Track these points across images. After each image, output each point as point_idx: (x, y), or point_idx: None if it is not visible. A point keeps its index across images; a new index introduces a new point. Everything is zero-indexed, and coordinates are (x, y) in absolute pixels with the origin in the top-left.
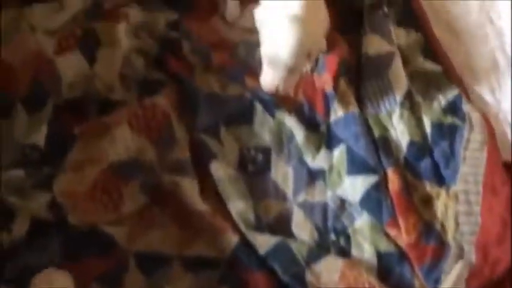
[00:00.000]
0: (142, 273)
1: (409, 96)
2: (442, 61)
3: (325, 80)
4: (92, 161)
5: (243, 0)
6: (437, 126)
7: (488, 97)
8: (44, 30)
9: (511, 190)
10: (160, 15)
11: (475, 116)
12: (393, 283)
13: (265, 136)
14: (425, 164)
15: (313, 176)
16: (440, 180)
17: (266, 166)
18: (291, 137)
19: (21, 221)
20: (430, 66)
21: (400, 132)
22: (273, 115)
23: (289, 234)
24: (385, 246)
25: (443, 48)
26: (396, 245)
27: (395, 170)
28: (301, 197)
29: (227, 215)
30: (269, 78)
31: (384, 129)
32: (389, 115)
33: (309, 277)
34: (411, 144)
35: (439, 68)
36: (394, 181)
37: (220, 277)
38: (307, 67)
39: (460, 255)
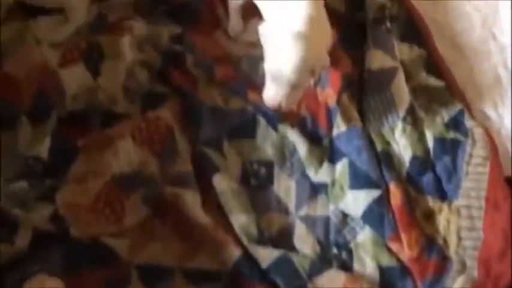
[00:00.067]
0: (144, 285)
1: (411, 111)
2: (445, 76)
3: (328, 94)
4: (95, 173)
5: (246, 14)
6: (440, 141)
7: (490, 112)
8: (48, 43)
9: None
10: (164, 29)
11: (478, 131)
12: None
13: (268, 150)
14: (427, 179)
15: (316, 190)
16: (443, 195)
17: (268, 180)
18: (294, 150)
19: (24, 232)
20: (432, 81)
21: (403, 147)
22: (275, 129)
23: (291, 247)
24: (387, 260)
25: (446, 64)
26: (398, 259)
27: (397, 184)
28: (303, 211)
29: (229, 228)
30: (272, 94)
31: (387, 143)
32: (392, 130)
33: None
34: (414, 158)
35: (441, 83)
36: (396, 195)
37: None
38: (310, 83)
39: (462, 270)
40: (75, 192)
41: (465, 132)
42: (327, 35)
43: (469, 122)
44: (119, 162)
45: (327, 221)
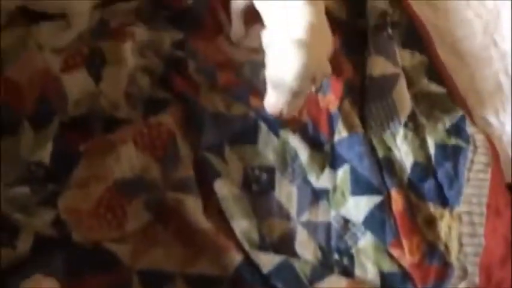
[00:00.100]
0: None
1: (413, 118)
2: (447, 83)
3: (329, 100)
4: (97, 178)
5: (248, 20)
6: (441, 148)
7: (492, 119)
8: (51, 49)
9: None
10: (166, 35)
11: (479, 138)
12: None
13: (270, 155)
14: (429, 185)
15: (317, 196)
16: (444, 201)
17: (270, 185)
18: (295, 156)
19: (25, 237)
20: (434, 88)
21: (404, 153)
22: (277, 134)
23: (293, 253)
24: (388, 266)
25: (448, 70)
26: (400, 265)
27: (399, 190)
28: (304, 217)
29: (230, 234)
30: (273, 102)
31: (388, 149)
32: (394, 136)
33: None
34: (415, 165)
35: (443, 90)
36: (397, 202)
37: None
38: (312, 90)
39: (464, 276)
40: (77, 197)
41: (466, 139)
42: (328, 42)
43: (470, 129)
44: (121, 168)
45: (328, 226)
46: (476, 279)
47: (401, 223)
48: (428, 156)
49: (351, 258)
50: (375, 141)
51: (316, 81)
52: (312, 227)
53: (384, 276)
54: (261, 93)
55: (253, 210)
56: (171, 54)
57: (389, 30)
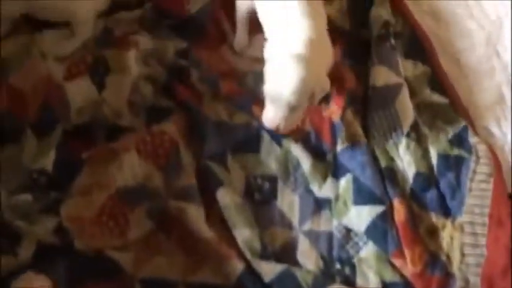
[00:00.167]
0: None
1: (415, 128)
2: (449, 93)
3: (332, 110)
4: (100, 186)
5: (251, 29)
6: (444, 158)
7: (494, 129)
8: (54, 57)
9: None
10: (169, 44)
11: (482, 148)
12: None
13: (272, 164)
14: (431, 195)
15: (319, 205)
16: (446, 212)
17: (272, 194)
18: (298, 165)
19: (28, 245)
20: (436, 98)
21: (407, 163)
22: (279, 144)
23: (295, 262)
24: (390, 276)
25: (450, 81)
26: (401, 275)
27: (401, 200)
28: (306, 226)
29: (233, 243)
30: (271, 116)
31: (391, 159)
32: (396, 146)
33: None
34: (417, 175)
35: (445, 100)
36: (400, 211)
37: None
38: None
39: (466, 286)
40: (80, 205)
41: (469, 149)
42: (327, 57)
43: (472, 139)
44: (124, 176)
45: (330, 236)
46: None
47: (404, 233)
48: (430, 167)
49: (353, 267)
50: (378, 151)
51: (314, 96)
52: (313, 236)
53: (385, 286)
54: (263, 102)
55: (255, 219)
56: (174, 63)
57: (392, 41)
